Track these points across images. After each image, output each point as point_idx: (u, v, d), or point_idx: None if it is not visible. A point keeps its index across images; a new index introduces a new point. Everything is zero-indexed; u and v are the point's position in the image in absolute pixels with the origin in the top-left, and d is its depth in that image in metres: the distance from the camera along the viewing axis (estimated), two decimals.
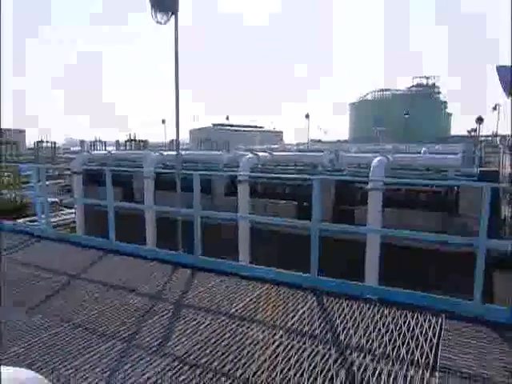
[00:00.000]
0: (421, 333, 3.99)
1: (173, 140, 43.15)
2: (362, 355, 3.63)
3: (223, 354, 3.63)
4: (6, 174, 21.03)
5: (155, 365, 3.46)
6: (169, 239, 7.35)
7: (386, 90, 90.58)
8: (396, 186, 11.49)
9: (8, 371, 2.12)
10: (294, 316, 4.37)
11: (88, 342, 3.86)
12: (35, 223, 11.27)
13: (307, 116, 51.96)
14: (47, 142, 38.89)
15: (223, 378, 3.28)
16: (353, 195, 12.08)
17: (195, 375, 3.32)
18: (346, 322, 4.23)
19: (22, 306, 4.72)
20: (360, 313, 4.44)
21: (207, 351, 3.68)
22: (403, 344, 3.79)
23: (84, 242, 7.36)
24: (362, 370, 3.41)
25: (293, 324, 4.19)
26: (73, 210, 17.92)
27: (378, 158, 11.46)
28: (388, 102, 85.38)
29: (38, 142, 38.74)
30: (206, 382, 3.22)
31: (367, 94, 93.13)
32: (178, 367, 3.43)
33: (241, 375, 3.32)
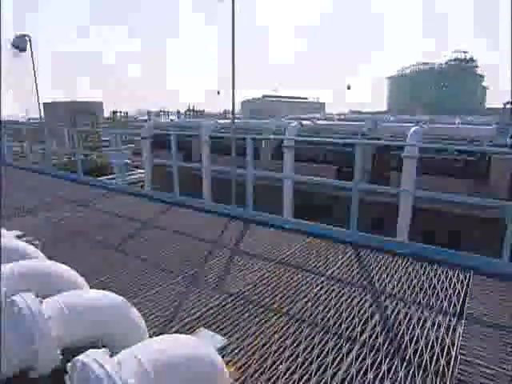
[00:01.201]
0: (450, 285, 3.89)
1: (225, 110, 43.14)
2: (395, 302, 3.60)
3: (271, 293, 3.73)
4: (89, 139, 21.99)
5: (214, 299, 3.62)
6: (221, 198, 7.50)
7: (425, 63, 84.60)
8: (430, 154, 10.94)
9: (97, 292, 2.30)
10: (335, 265, 4.38)
11: (159, 277, 4.08)
12: (113, 180, 11.82)
13: (349, 87, 49.95)
14: (121, 112, 40.00)
15: (272, 313, 3.38)
16: (389, 162, 11.66)
17: (248, 309, 3.45)
18: (381, 274, 4.19)
19: (104, 245, 5.05)
20: (394, 266, 4.38)
21: (257, 291, 3.79)
22: (433, 294, 3.72)
23: (152, 196, 7.65)
24: (394, 313, 3.40)
25: (333, 272, 4.21)
26: (142, 170, 18.60)
27: (415, 128, 10.90)
28: (425, 76, 79.99)
29: (114, 112, 39.91)
30: (257, 316, 3.34)
31: (406, 67, 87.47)
32: (233, 302, 3.57)
33: (287, 311, 3.41)
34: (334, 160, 12.74)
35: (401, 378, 2.63)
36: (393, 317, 3.36)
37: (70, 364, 1.51)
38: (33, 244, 3.43)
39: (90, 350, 1.51)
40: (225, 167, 7.24)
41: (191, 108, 41.42)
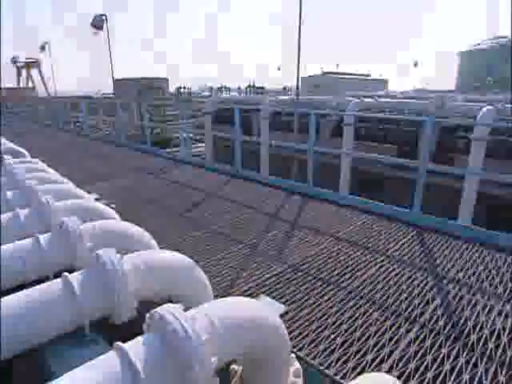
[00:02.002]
0: None
1: (285, 87, 42.39)
2: (458, 287, 3.40)
3: (330, 268, 3.69)
4: (156, 113, 22.80)
5: (273, 269, 3.66)
6: (277, 174, 7.46)
7: (502, 37, 75.87)
8: (503, 137, 9.96)
9: (169, 252, 2.39)
10: (395, 245, 4.21)
11: (221, 245, 4.20)
12: (178, 152, 12.24)
13: (415, 64, 46.67)
14: (184, 87, 40.93)
15: (331, 287, 3.35)
16: (455, 143, 10.85)
17: (306, 281, 3.44)
18: (444, 257, 3.96)
19: (171, 212, 5.27)
20: (458, 250, 4.12)
21: (316, 264, 3.76)
22: (501, 283, 3.46)
23: (215, 168, 7.81)
24: (457, 299, 3.21)
25: (393, 252, 4.06)
26: (202, 144, 19.04)
27: (487, 108, 9.92)
28: (503, 51, 71.99)
29: (178, 88, 40.93)
30: (315, 288, 3.33)
31: (481, 42, 79.16)
32: (292, 273, 3.58)
33: (346, 287, 3.36)
34: (394, 139, 12.11)
35: (462, 364, 2.50)
36: (455, 302, 3.18)
37: (147, 315, 1.59)
38: (109, 206, 3.66)
39: (167, 304, 1.58)
40: (286, 142, 7.14)
41: (252, 84, 41.25)
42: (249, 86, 40.85)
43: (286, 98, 20.09)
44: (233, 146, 7.52)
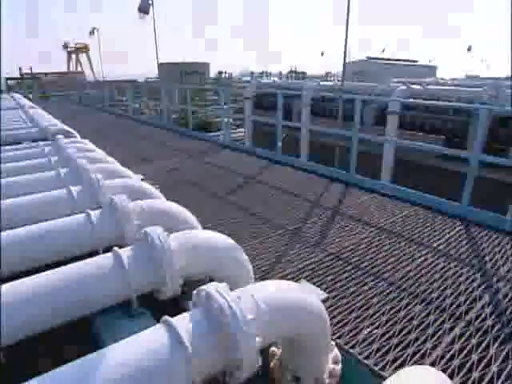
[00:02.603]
0: None
1: (328, 73, 41.35)
2: (510, 286, 3.22)
3: (372, 258, 3.60)
4: (196, 97, 23.08)
5: (314, 255, 3.63)
6: (317, 160, 7.33)
7: None
8: None
9: (212, 232, 2.43)
10: (441, 239, 4.04)
11: (262, 229, 4.21)
12: (219, 136, 12.36)
13: (469, 49, 43.87)
14: (225, 72, 41.01)
15: (371, 277, 3.28)
16: (509, 136, 10.15)
17: (346, 270, 3.39)
18: (494, 254, 3.75)
19: (212, 194, 5.35)
20: (510, 248, 3.88)
21: (357, 254, 3.69)
22: None
23: (255, 152, 7.81)
24: (508, 298, 3.04)
25: (439, 245, 3.89)
26: (241, 130, 19.08)
27: None
28: None
29: (220, 72, 41.06)
30: (356, 277, 3.27)
31: None
32: (332, 261, 3.54)
33: (387, 278, 3.27)
34: (442, 129, 11.51)
35: None
36: (506, 301, 3.01)
37: (194, 292, 1.63)
38: (154, 186, 3.76)
39: (213, 283, 1.60)
40: (329, 129, 6.99)
41: (293, 69, 40.63)
42: (290, 72, 40.26)
43: (329, 83, 19.62)
44: (273, 132, 7.47)
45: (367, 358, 2.46)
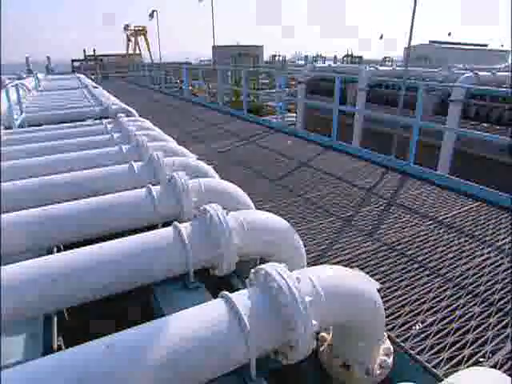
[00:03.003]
0: None
1: (386, 57, 39.46)
2: None
3: (428, 252, 3.44)
4: (250, 80, 23.05)
5: (366, 245, 3.53)
6: (370, 148, 7.05)
7: None
8: None
9: (268, 214, 2.43)
10: (506, 237, 3.75)
11: (313, 215, 4.17)
12: (271, 120, 12.31)
13: None
14: (279, 56, 40.52)
15: (427, 272, 3.14)
16: None
17: (401, 262, 3.27)
18: None
19: (264, 177, 5.36)
20: None
21: (412, 246, 3.54)
22: None
23: (309, 138, 7.70)
24: None
25: (504, 244, 3.62)
26: (292, 114, 18.83)
27: None
28: None
29: (273, 55, 40.66)
30: (411, 270, 3.14)
31: None
32: (386, 252, 3.42)
33: (445, 274, 3.11)
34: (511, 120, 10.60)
35: None
36: None
37: (252, 271, 1.64)
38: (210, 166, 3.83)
39: (272, 263, 1.61)
40: (384, 115, 6.69)
41: (349, 53, 39.21)
42: (346, 55, 38.88)
43: (387, 68, 18.72)
44: (325, 117, 7.29)
45: (419, 353, 2.38)
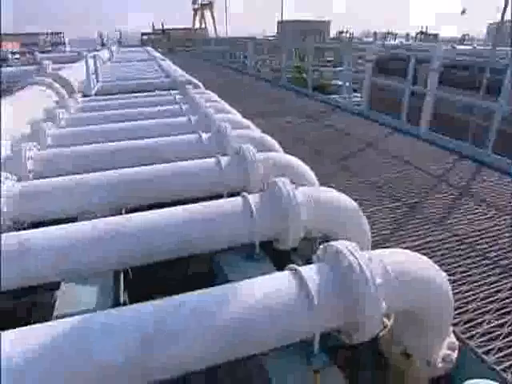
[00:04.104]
0: None
1: (464, 35, 36.23)
2: None
3: (502, 248, 3.16)
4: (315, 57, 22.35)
5: (433, 234, 3.34)
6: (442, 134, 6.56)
7: None
8: None
9: (336, 192, 2.37)
10: None
11: (379, 198, 4.01)
12: (336, 98, 11.93)
13: None
14: (346, 32, 38.76)
15: (500, 269, 2.90)
16: None
17: (470, 256, 3.05)
18: None
19: (326, 157, 5.24)
20: None
21: (485, 240, 3.28)
22: None
23: (375, 118, 7.36)
24: None
25: None
26: (357, 94, 18.04)
27: None
28: None
29: (340, 32, 38.99)
30: (480, 266, 2.93)
31: None
32: (454, 243, 3.22)
33: None
34: None
35: None
36: None
37: (321, 247, 1.62)
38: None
39: (343, 241, 1.57)
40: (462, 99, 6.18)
41: (422, 30, 36.45)
42: (420, 33, 36.20)
43: (466, 48, 17.23)
44: (392, 98, 6.89)
45: (487, 354, 2.23)
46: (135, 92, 6.32)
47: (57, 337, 1.20)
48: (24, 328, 1.29)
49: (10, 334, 1.25)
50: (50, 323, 1.33)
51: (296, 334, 1.43)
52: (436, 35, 36.13)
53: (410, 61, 6.46)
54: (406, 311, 1.82)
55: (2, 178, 2.37)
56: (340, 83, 16.80)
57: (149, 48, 20.40)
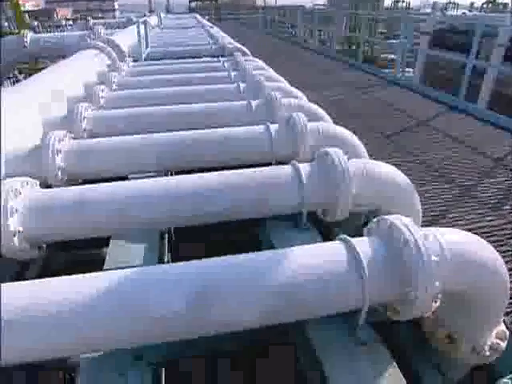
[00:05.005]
0: None
1: None
2: None
3: None
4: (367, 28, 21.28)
5: (488, 219, 3.15)
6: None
7: None
8: None
9: (389, 167, 2.26)
10: None
11: (428, 178, 3.82)
12: (388, 72, 11.36)
13: None
14: (403, 1, 36.27)
15: None
16: None
17: None
18: None
19: (376, 132, 5.03)
20: None
21: None
22: None
23: (430, 94, 6.93)
24: None
25: None
26: (410, 69, 17.06)
27: None
28: None
29: (396, 1, 36.56)
30: None
31: None
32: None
33: None
34: None
35: None
36: None
37: (374, 219, 1.57)
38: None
39: (398, 215, 1.51)
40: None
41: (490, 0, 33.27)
42: (487, 2, 33.08)
43: None
44: (447, 73, 6.42)
45: None
46: (184, 58, 6.32)
47: (114, 286, 1.25)
48: (81, 276, 1.36)
49: (67, 281, 1.33)
50: (106, 272, 1.39)
51: (344, 305, 1.42)
52: (506, 4, 32.86)
53: (473, 33, 5.94)
54: (458, 293, 1.74)
55: None
56: (392, 57, 15.96)
57: (196, 15, 20.23)
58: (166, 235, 2.48)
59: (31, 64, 11.83)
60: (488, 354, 1.97)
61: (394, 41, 15.45)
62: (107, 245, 2.19)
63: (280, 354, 2.08)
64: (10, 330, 1.17)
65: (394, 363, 1.48)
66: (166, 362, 1.72)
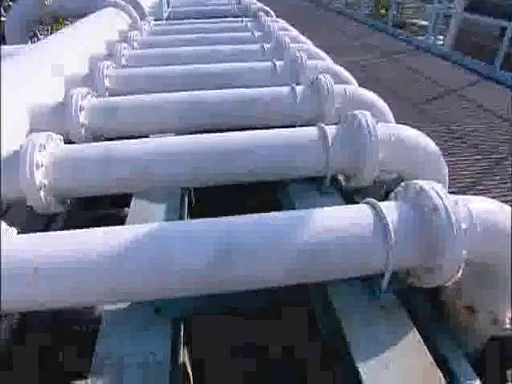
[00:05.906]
0: None
1: None
2: None
3: None
4: None
5: None
6: None
7: None
8: None
9: (418, 133, 2.18)
10: None
11: (460, 149, 3.70)
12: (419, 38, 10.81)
13: None
14: None
15: None
16: None
17: None
18: None
19: (407, 102, 4.85)
20: None
21: None
22: None
23: (462, 62, 6.58)
24: None
25: None
26: (440, 37, 16.15)
27: None
28: None
29: None
30: None
31: None
32: None
33: None
34: None
35: None
36: None
37: (402, 184, 1.52)
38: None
39: (429, 181, 1.45)
40: None
41: None
42: None
43: None
44: (481, 41, 6.03)
45: None
46: (206, 18, 6.13)
47: (141, 239, 1.27)
48: (108, 228, 1.38)
49: (95, 232, 1.35)
50: (132, 226, 1.40)
51: (367, 268, 1.40)
52: None
53: None
54: (484, 263, 1.70)
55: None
56: (424, 23, 15.09)
57: None
58: (186, 198, 2.49)
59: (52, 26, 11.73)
60: (509, 325, 1.95)
61: (428, 5, 14.57)
62: (126, 205, 2.21)
63: (293, 315, 2.11)
64: (39, 277, 1.21)
65: (414, 329, 1.47)
66: (182, 319, 1.77)
